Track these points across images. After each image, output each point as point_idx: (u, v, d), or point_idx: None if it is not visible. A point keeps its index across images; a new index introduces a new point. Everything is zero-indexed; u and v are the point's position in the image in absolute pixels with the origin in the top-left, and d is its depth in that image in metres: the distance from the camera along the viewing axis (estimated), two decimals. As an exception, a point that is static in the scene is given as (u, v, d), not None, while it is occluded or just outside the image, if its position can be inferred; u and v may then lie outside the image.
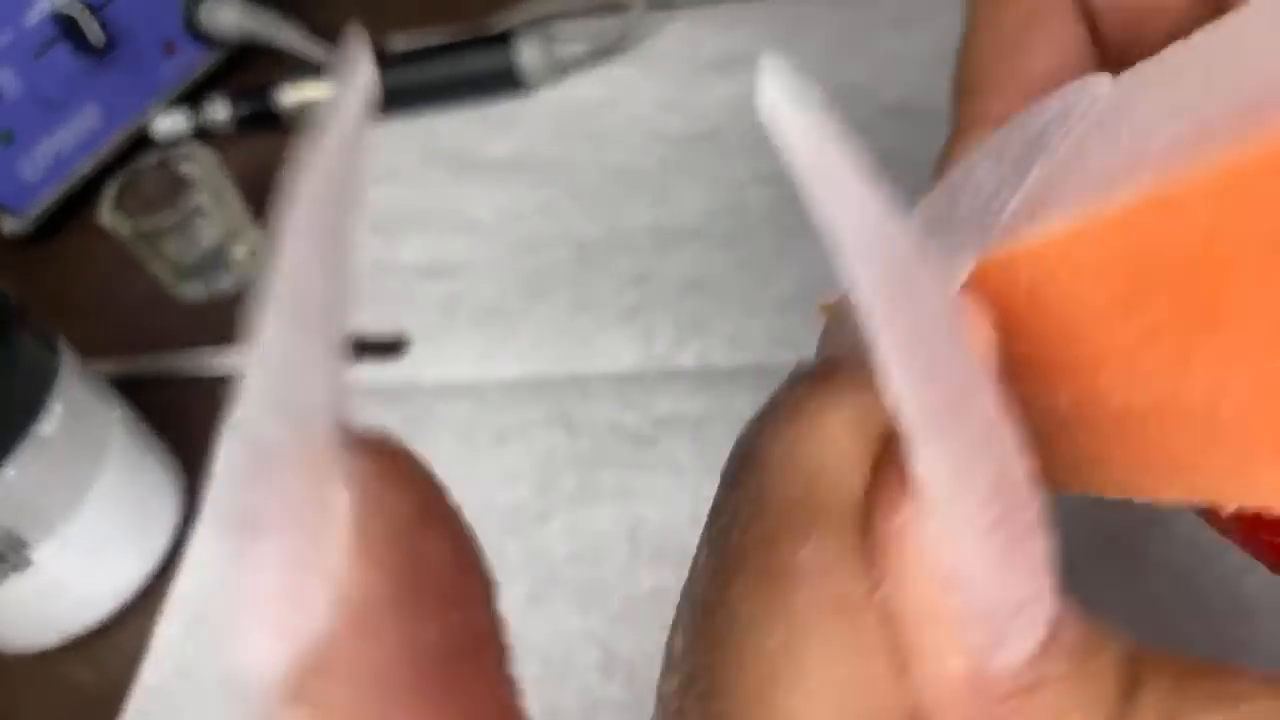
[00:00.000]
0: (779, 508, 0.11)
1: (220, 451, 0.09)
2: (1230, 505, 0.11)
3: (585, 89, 0.50)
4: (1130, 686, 0.10)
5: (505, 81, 0.49)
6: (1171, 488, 0.12)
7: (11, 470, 0.31)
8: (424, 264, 0.44)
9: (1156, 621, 0.28)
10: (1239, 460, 0.11)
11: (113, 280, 0.48)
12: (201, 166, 0.44)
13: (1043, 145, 0.14)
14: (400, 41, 0.54)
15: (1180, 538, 0.29)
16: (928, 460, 0.10)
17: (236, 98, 0.52)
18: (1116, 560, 0.29)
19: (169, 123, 0.53)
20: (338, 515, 0.09)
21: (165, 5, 0.53)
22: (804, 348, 0.42)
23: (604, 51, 0.50)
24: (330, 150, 0.10)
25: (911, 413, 0.10)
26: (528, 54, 0.49)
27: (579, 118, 0.48)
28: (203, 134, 0.52)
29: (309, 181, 0.10)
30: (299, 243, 0.09)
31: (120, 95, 0.52)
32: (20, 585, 0.33)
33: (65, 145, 0.50)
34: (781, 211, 0.42)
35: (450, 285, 0.43)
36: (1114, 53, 0.19)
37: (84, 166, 0.51)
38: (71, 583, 0.35)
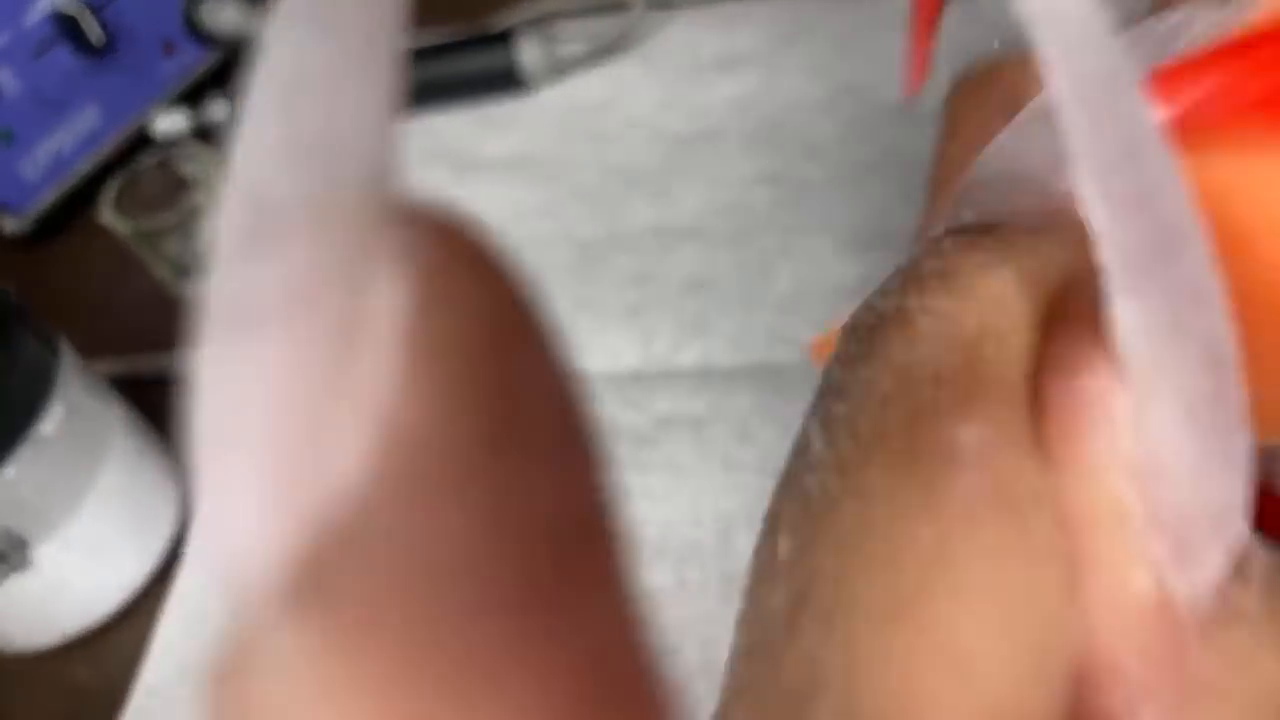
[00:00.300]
0: (932, 380, 0.09)
1: (211, 223, 0.06)
2: None
3: (586, 89, 0.50)
4: None
5: (506, 81, 0.49)
6: None
7: (11, 470, 0.31)
8: (424, 264, 0.44)
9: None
10: None
11: (113, 280, 0.48)
12: (201, 166, 0.44)
13: (1176, 39, 0.12)
14: (400, 41, 0.54)
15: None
16: (1132, 314, 0.08)
17: (236, 98, 0.52)
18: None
19: (169, 123, 0.52)
20: (380, 314, 0.06)
21: (165, 5, 0.53)
22: (804, 348, 0.42)
23: (604, 51, 0.50)
24: None
25: (1117, 253, 0.08)
26: (528, 54, 0.49)
27: (579, 117, 0.48)
28: (203, 134, 0.52)
29: None
30: None
31: (120, 95, 0.52)
32: (20, 585, 0.33)
33: (65, 145, 0.50)
34: (781, 211, 0.42)
35: (450, 285, 0.43)
36: None
37: (84, 166, 0.51)
38: (71, 583, 0.35)
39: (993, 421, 0.09)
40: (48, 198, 0.50)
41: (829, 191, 0.42)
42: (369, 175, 0.06)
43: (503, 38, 0.49)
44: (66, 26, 0.48)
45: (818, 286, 0.39)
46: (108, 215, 0.43)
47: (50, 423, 0.32)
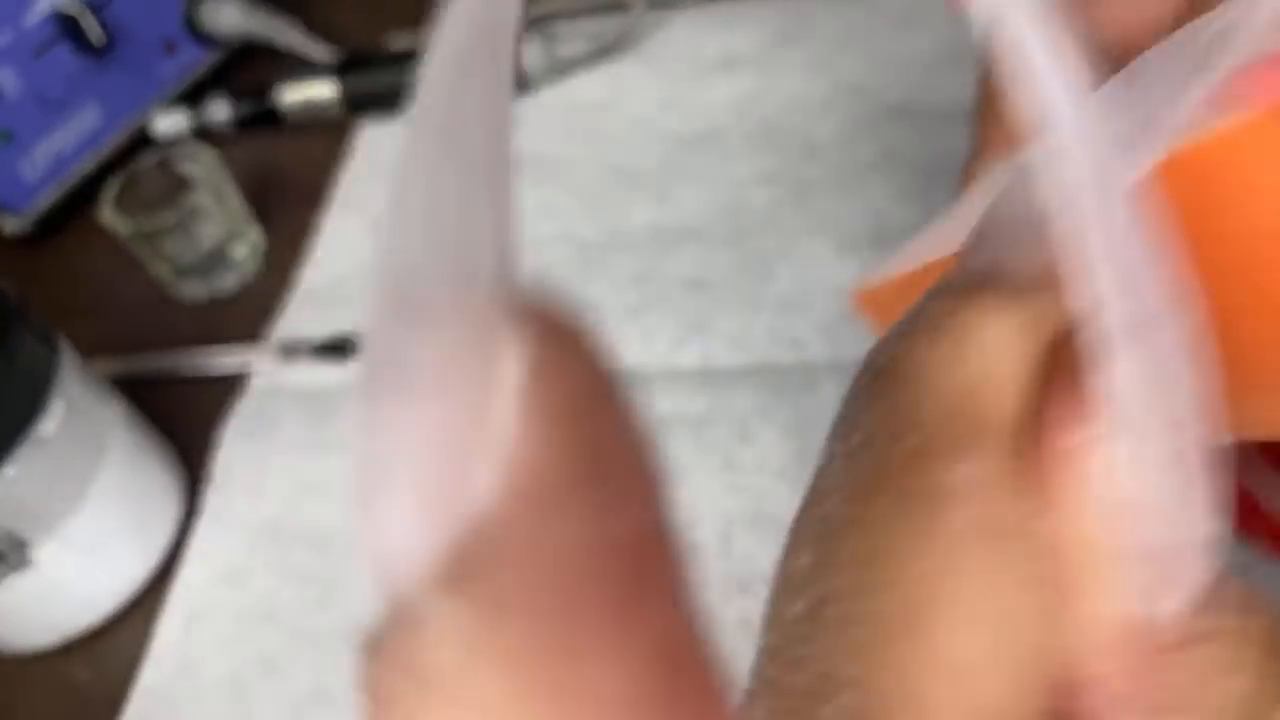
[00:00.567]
0: (931, 421, 0.10)
1: (367, 308, 0.08)
2: None
3: (586, 89, 0.50)
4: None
5: (505, 81, 0.49)
6: None
7: (11, 470, 0.31)
8: (424, 264, 0.44)
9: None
10: None
11: (113, 280, 0.48)
12: (201, 166, 0.44)
13: (1227, 43, 0.13)
14: (400, 41, 0.54)
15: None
16: (1120, 374, 0.09)
17: (236, 98, 0.52)
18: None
19: (169, 122, 0.52)
20: (506, 378, 0.08)
21: (165, 5, 0.53)
22: (804, 347, 0.42)
23: (604, 51, 0.50)
24: None
25: (1109, 318, 0.09)
26: (528, 54, 0.49)
27: (579, 117, 0.48)
28: (203, 134, 0.52)
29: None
30: (450, 55, 0.08)
31: (120, 95, 0.52)
32: (20, 585, 0.33)
33: (65, 145, 0.50)
34: (781, 211, 0.42)
35: (450, 285, 0.43)
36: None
37: (84, 166, 0.51)
38: (71, 583, 0.35)
39: (985, 462, 0.10)
40: (48, 198, 0.50)
41: (829, 191, 0.42)
42: (495, 268, 0.08)
43: (503, 38, 0.49)
44: (67, 26, 0.48)
45: (818, 286, 0.39)
46: (108, 215, 0.43)
47: (50, 423, 0.32)
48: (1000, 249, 0.11)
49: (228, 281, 0.46)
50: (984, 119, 0.22)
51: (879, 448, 0.10)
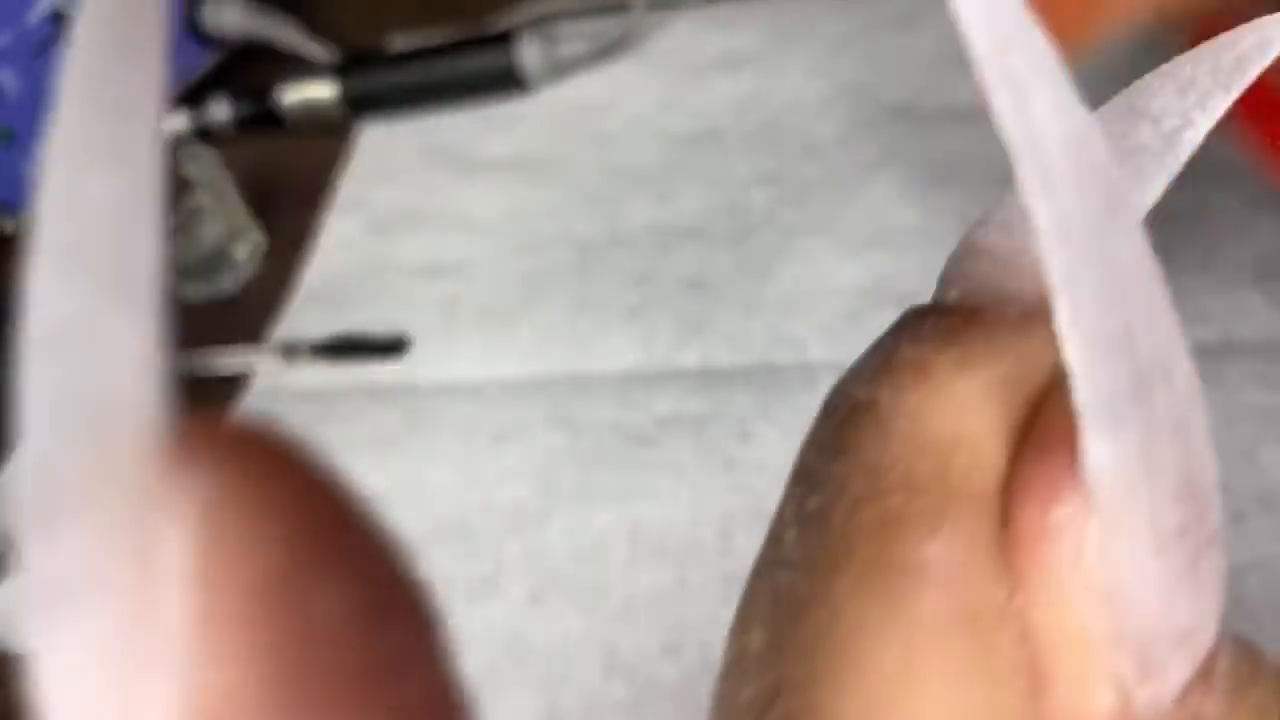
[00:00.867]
0: (902, 487, 0.09)
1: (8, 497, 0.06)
2: None
3: (586, 89, 0.50)
4: None
5: (506, 81, 0.49)
6: None
7: (11, 470, 0.31)
8: (424, 264, 0.44)
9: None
10: None
11: (113, 280, 0.48)
12: (202, 166, 0.44)
13: (1240, 73, 0.11)
14: (400, 41, 0.54)
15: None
16: (1105, 450, 0.08)
17: (236, 98, 0.52)
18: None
19: (169, 123, 0.53)
20: (171, 568, 0.06)
21: (165, 5, 0.53)
22: (804, 347, 0.42)
23: (604, 51, 0.50)
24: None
25: (1094, 390, 0.08)
26: (528, 54, 0.49)
27: (579, 118, 0.48)
28: (203, 134, 0.52)
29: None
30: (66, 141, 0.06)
31: (120, 95, 0.52)
32: (20, 585, 0.33)
33: (65, 145, 0.50)
34: (781, 211, 0.42)
35: (450, 285, 0.43)
36: None
37: (84, 166, 0.51)
38: (72, 583, 0.35)
39: (960, 538, 0.09)
40: (48, 198, 0.50)
41: (829, 191, 0.42)
42: (139, 421, 0.06)
43: (503, 38, 0.49)
44: (67, 26, 0.48)
45: (818, 286, 0.39)
46: (108, 215, 0.43)
47: (50, 423, 0.32)
48: (980, 284, 0.10)
49: (227, 282, 0.46)
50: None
51: (845, 511, 0.09)
